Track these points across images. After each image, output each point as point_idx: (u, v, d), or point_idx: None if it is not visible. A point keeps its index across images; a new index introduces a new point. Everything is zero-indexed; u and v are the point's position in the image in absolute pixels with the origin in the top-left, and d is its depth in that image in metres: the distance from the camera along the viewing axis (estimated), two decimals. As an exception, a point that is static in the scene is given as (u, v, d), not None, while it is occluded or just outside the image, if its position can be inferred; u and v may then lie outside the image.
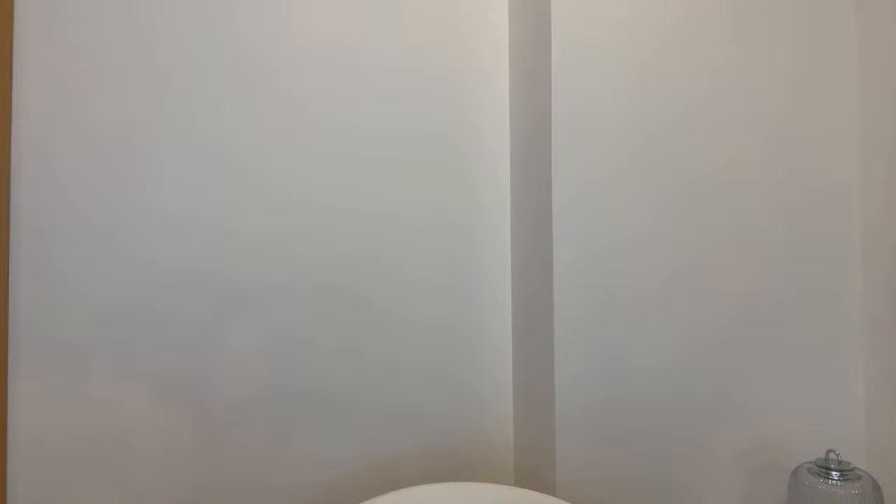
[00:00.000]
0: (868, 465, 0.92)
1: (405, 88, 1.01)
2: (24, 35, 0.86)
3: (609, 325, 0.88)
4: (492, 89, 1.06)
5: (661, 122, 0.89)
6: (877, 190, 0.92)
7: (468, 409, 1.04)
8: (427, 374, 1.02)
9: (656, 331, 0.89)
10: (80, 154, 0.88)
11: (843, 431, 0.94)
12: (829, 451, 0.81)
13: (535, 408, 0.95)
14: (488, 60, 1.06)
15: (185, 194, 0.91)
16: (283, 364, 0.95)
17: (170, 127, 0.91)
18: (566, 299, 0.87)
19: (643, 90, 0.89)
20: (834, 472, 0.78)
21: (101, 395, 0.88)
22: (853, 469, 0.79)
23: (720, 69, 0.91)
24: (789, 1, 0.94)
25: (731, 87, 0.92)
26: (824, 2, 0.95)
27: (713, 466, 0.91)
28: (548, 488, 0.89)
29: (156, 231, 0.90)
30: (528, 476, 0.98)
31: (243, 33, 0.94)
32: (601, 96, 0.88)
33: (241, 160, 0.94)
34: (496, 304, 1.06)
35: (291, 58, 0.96)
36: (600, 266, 0.88)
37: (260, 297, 0.94)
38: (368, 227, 0.99)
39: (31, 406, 0.85)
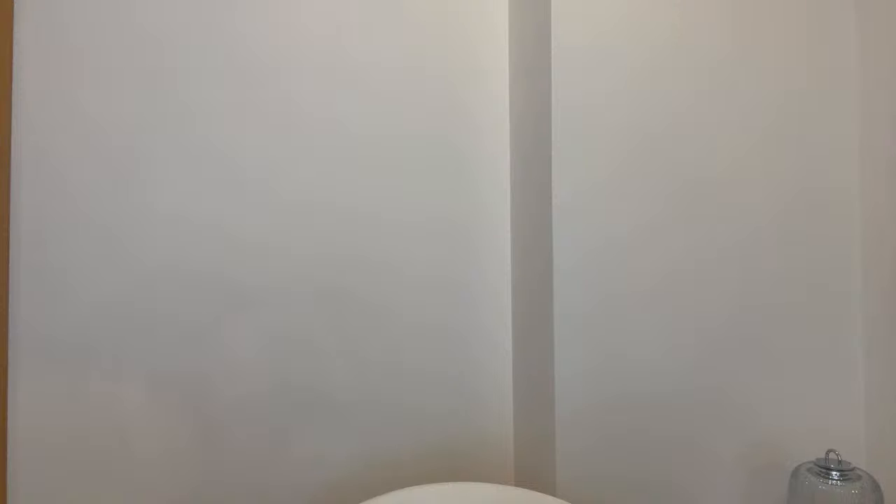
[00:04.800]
0: (868, 465, 0.93)
1: (405, 88, 1.01)
2: (24, 35, 0.86)
3: (609, 325, 0.88)
4: (492, 89, 1.06)
5: (661, 122, 0.89)
6: (877, 190, 0.92)
7: (468, 409, 1.04)
8: (427, 374, 1.02)
9: (656, 330, 0.89)
10: (80, 154, 0.88)
11: (843, 431, 0.94)
12: (829, 451, 0.81)
13: (535, 407, 0.95)
14: (488, 60, 1.06)
15: (185, 194, 0.91)
16: (283, 364, 0.95)
17: (170, 127, 0.91)
18: (566, 299, 0.87)
19: (643, 90, 0.89)
20: (834, 472, 0.78)
21: (101, 395, 0.88)
22: (853, 469, 0.79)
23: (720, 69, 0.91)
24: (789, 1, 0.94)
25: (731, 87, 0.92)
26: (824, 2, 0.95)
27: (713, 466, 0.91)
28: (548, 488, 0.89)
29: (156, 231, 0.90)
30: (528, 475, 0.98)
31: (243, 33, 0.94)
32: (601, 96, 0.88)
33: (241, 160, 0.94)
34: (496, 304, 1.06)
35: (291, 58, 0.96)
36: (600, 265, 0.88)
37: (260, 297, 0.94)
38: (368, 228, 0.99)
39: (31, 406, 0.85)
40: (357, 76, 0.99)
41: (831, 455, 0.80)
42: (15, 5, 0.85)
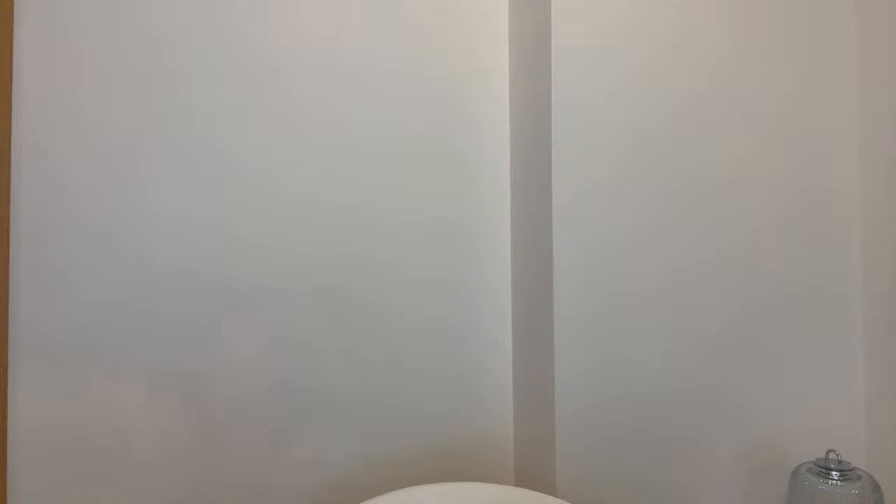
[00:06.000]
0: (868, 465, 0.93)
1: (405, 88, 1.01)
2: (24, 35, 0.86)
3: (609, 325, 0.88)
4: (492, 89, 1.06)
5: (661, 122, 0.89)
6: (877, 190, 0.92)
7: (468, 409, 1.04)
8: (427, 374, 1.02)
9: (656, 330, 0.89)
10: (81, 154, 0.88)
11: (843, 431, 0.94)
12: (829, 451, 0.81)
13: (535, 407, 0.95)
14: (488, 60, 1.06)
15: (185, 194, 0.91)
16: (283, 364, 0.95)
17: (170, 127, 0.91)
18: (566, 299, 0.87)
19: (643, 90, 0.89)
20: (834, 472, 0.78)
21: (101, 395, 0.88)
22: (853, 469, 0.79)
23: (720, 69, 0.91)
24: (789, 1, 0.94)
25: (731, 87, 0.92)
26: (824, 2, 0.95)
27: (713, 466, 0.91)
28: (548, 488, 0.89)
29: (156, 231, 0.90)
30: (529, 475, 0.98)
31: (243, 33, 0.94)
32: (601, 96, 0.88)
33: (241, 160, 0.94)
34: (496, 304, 1.06)
35: (291, 58, 0.96)
36: (600, 265, 0.88)
37: (260, 297, 0.94)
38: (368, 227, 0.99)
39: (32, 406, 0.85)
40: (357, 76, 0.99)
41: (831, 455, 0.80)
42: (15, 5, 0.85)
